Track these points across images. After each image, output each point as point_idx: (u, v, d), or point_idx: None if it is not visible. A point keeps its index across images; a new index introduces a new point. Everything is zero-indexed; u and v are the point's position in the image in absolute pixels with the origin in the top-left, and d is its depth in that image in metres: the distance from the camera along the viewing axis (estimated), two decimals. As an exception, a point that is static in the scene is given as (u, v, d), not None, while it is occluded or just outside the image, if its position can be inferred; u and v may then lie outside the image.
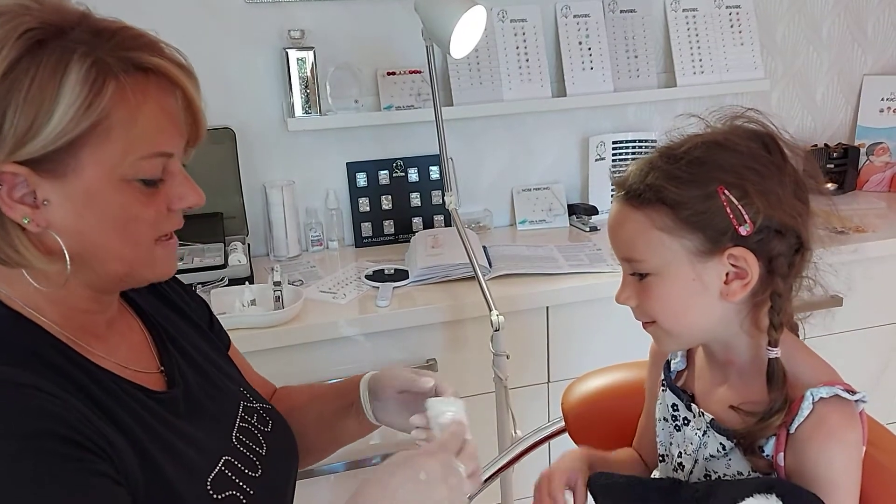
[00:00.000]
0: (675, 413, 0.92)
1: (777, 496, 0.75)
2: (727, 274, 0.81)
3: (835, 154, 2.28)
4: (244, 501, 0.78)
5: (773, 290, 0.81)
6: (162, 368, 0.82)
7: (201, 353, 0.89)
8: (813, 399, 0.79)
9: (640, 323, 0.88)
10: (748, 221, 0.79)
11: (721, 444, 0.86)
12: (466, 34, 1.53)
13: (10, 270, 0.70)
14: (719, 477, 0.87)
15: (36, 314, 0.71)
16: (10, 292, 0.71)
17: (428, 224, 2.09)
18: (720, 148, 0.81)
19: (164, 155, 0.72)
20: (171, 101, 0.72)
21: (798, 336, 0.90)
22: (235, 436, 0.85)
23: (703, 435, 0.88)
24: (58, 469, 0.62)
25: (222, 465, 0.79)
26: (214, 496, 0.76)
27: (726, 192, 0.79)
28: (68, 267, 0.69)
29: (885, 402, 2.04)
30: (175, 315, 0.89)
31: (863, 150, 2.33)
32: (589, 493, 0.85)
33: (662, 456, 0.95)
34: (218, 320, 0.99)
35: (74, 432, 0.64)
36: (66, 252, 0.69)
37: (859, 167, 2.33)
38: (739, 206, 0.78)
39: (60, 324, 0.72)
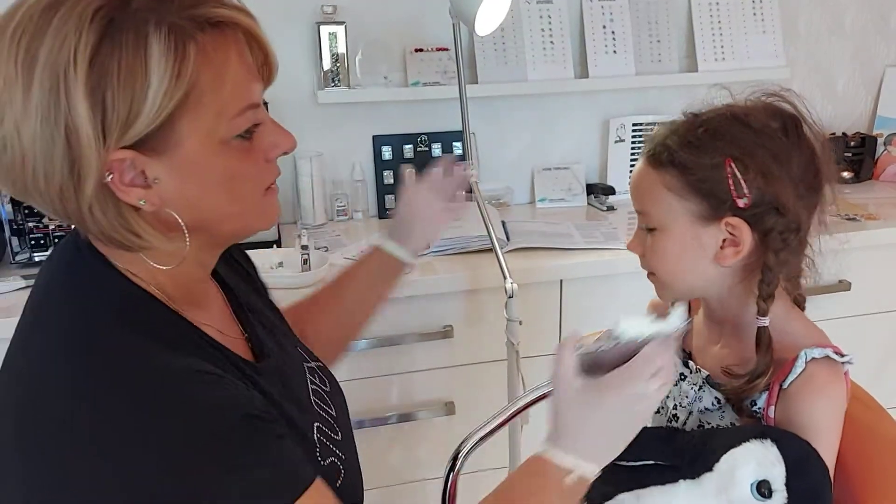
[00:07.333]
0: (673, 369, 0.98)
1: (772, 441, 0.80)
2: (724, 240, 0.87)
3: (852, 143, 2.30)
4: (340, 467, 0.80)
5: (764, 263, 0.87)
6: (246, 335, 0.82)
7: (266, 316, 0.88)
8: (806, 359, 0.85)
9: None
10: (747, 195, 0.84)
11: (716, 398, 0.92)
12: (491, 11, 1.58)
13: (130, 252, 0.70)
14: (713, 427, 0.93)
15: (158, 292, 0.71)
16: (137, 272, 0.71)
17: (450, 198, 2.15)
18: (738, 122, 0.86)
19: (252, 107, 0.70)
20: (244, 49, 0.70)
21: (804, 310, 0.95)
22: (314, 401, 0.85)
23: (698, 390, 0.94)
24: (269, 441, 0.66)
25: (317, 434, 0.80)
26: (322, 463, 0.78)
27: (732, 164, 0.84)
28: (187, 241, 0.69)
29: (892, 385, 2.07)
30: (237, 277, 0.89)
31: (880, 140, 2.36)
32: None
33: (657, 408, 1.02)
34: (262, 279, 0.99)
35: (254, 408, 0.67)
36: (183, 226, 0.69)
37: (876, 157, 2.36)
38: (742, 180, 0.84)
39: (176, 298, 0.72)
